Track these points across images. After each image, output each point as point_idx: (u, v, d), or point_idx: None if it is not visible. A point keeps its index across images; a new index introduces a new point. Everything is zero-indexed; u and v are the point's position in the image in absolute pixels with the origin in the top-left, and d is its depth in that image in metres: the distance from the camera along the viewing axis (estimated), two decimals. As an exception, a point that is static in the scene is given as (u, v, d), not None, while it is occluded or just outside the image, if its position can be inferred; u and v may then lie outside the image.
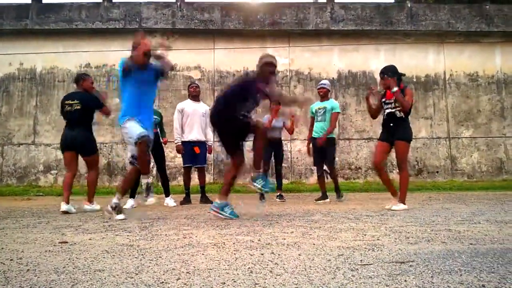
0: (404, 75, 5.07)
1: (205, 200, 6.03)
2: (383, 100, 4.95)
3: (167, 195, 5.94)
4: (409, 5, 9.94)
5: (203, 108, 6.24)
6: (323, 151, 6.15)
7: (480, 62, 10.06)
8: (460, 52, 10.11)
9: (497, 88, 10.02)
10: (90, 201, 5.10)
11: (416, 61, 9.93)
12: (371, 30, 9.87)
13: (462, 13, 9.94)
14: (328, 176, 6.25)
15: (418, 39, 10.04)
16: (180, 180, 8.87)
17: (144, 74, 4.12)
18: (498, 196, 6.64)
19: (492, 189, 8.40)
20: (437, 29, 9.89)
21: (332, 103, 6.32)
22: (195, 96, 6.24)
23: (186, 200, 6.01)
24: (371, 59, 9.96)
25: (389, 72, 4.85)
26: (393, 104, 4.82)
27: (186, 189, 6.14)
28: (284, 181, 9.18)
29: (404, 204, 4.70)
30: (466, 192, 7.90)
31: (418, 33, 9.95)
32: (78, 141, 4.99)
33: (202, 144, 6.11)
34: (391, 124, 4.84)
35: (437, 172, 9.69)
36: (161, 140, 6.08)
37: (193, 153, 6.01)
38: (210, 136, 6.21)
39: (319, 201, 6.02)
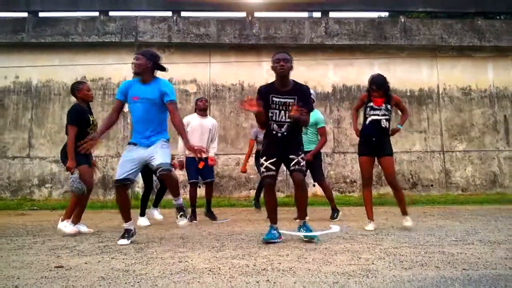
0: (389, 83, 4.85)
1: (210, 215, 5.94)
2: (370, 105, 4.71)
3: (142, 214, 5.64)
4: (402, 20, 10.08)
5: (210, 122, 6.19)
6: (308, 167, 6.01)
7: (472, 76, 10.18)
8: (453, 66, 10.23)
9: (489, 102, 10.14)
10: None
11: (409, 75, 10.04)
12: (365, 45, 9.99)
13: (455, 28, 10.08)
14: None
15: (412, 54, 10.16)
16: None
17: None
18: (492, 211, 6.69)
19: (486, 202, 8.44)
20: (430, 44, 10.02)
21: (316, 116, 5.74)
22: (203, 110, 6.14)
23: (191, 218, 5.71)
24: (365, 73, 9.98)
25: (382, 85, 4.66)
26: (382, 111, 4.65)
27: (192, 206, 5.91)
28: (280, 195, 9.22)
29: (408, 214, 4.64)
30: (460, 206, 7.94)
31: (411, 47, 10.08)
32: None
33: (205, 159, 5.95)
34: (374, 139, 4.65)
35: (432, 185, 9.75)
36: None
37: (198, 168, 5.92)
38: (214, 151, 6.13)
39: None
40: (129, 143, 3.99)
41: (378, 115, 4.66)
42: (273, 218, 3.86)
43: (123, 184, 3.77)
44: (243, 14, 10.06)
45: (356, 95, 9.97)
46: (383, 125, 4.65)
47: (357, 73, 10.07)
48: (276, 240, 3.67)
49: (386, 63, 10.06)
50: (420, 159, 9.82)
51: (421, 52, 10.18)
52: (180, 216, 3.92)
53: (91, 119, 4.72)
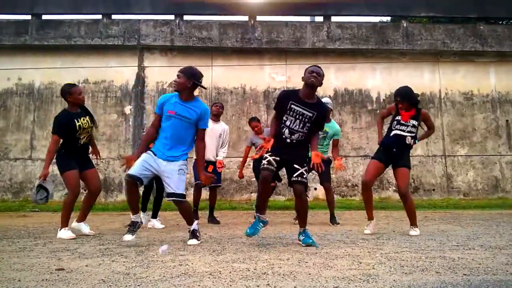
0: (418, 96, 4.76)
1: (212, 219, 6.01)
2: (397, 119, 4.64)
3: (155, 216, 5.69)
4: (404, 25, 10.09)
5: (220, 128, 6.24)
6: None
7: (474, 81, 10.18)
8: (455, 71, 10.23)
9: (491, 107, 10.12)
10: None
11: (411, 79, 9.93)
12: (367, 49, 9.99)
13: (457, 33, 10.09)
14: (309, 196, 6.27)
15: (414, 58, 10.16)
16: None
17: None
18: (494, 216, 6.68)
19: (488, 207, 8.43)
20: (432, 49, 10.02)
21: (335, 128, 6.07)
22: (216, 115, 6.23)
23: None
24: (367, 77, 10.06)
25: (405, 96, 4.55)
26: (408, 128, 4.56)
27: (194, 206, 5.91)
28: (281, 198, 9.23)
29: (417, 226, 4.66)
30: (462, 210, 7.92)
31: (413, 52, 10.08)
32: None
33: (214, 163, 6.09)
34: (394, 149, 4.60)
35: (433, 190, 9.72)
36: None
37: (207, 171, 5.97)
38: (223, 156, 6.22)
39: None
40: (151, 150, 3.95)
41: (403, 131, 4.58)
42: (262, 208, 3.91)
43: (134, 181, 3.76)
44: (245, 18, 10.10)
45: (357, 99, 9.99)
46: (407, 142, 4.58)
47: (359, 77, 10.07)
48: (259, 233, 3.86)
49: (388, 67, 10.07)
50: (422, 164, 9.80)
51: (423, 56, 10.17)
52: (191, 238, 3.93)
53: (77, 124, 4.45)
